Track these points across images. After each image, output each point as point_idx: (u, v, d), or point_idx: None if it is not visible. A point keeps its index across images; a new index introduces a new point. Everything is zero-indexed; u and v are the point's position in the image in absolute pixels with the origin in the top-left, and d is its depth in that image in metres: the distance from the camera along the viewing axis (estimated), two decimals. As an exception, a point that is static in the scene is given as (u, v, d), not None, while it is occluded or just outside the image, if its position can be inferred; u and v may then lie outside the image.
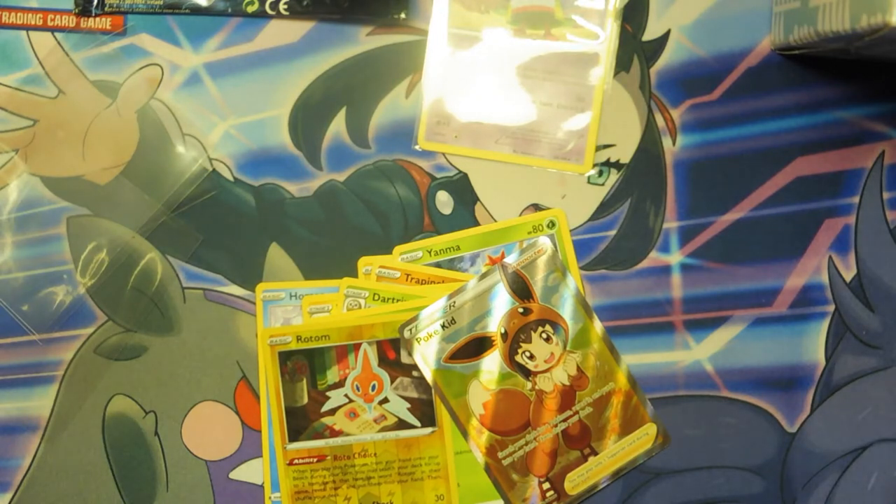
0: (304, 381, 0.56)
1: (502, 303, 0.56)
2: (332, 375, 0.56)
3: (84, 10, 0.56)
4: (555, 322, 0.56)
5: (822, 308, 0.57)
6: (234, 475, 0.58)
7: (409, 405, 0.56)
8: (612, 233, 0.57)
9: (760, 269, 0.57)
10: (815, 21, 0.49)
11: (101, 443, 0.58)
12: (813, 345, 0.57)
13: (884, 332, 0.57)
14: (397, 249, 0.57)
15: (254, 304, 0.57)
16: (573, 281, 0.56)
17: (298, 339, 0.55)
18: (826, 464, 0.57)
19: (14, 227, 0.57)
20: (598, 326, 0.56)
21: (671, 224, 0.57)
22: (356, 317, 0.56)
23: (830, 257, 0.56)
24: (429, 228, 0.57)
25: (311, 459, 0.56)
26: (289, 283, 0.57)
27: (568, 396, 0.56)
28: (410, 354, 0.55)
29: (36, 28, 0.56)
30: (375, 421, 0.56)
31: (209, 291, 0.57)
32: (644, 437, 0.56)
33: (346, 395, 0.56)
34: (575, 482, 0.56)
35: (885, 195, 0.56)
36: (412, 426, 0.56)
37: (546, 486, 0.56)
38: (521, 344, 0.56)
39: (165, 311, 0.57)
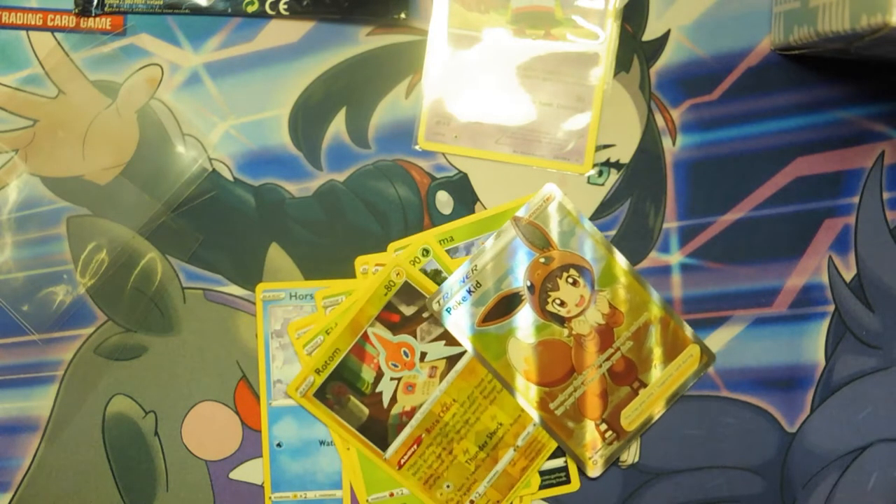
0: (351, 397, 0.56)
1: (523, 257, 0.55)
2: (368, 373, 0.56)
3: (84, 10, 0.56)
4: (578, 265, 0.55)
5: (822, 308, 0.57)
6: (234, 475, 0.58)
7: (444, 341, 0.56)
8: (612, 233, 0.57)
9: (760, 269, 0.56)
10: (815, 21, 0.49)
11: (101, 443, 0.58)
12: (813, 345, 0.57)
13: (884, 332, 0.57)
14: (391, 246, 0.57)
15: (254, 304, 0.57)
16: (588, 221, 0.55)
17: (318, 372, 0.55)
18: (826, 464, 0.57)
19: (14, 227, 0.57)
20: (620, 260, 0.56)
21: (671, 224, 0.57)
22: (342, 313, 0.55)
23: (830, 257, 0.56)
24: (429, 228, 0.57)
25: (413, 448, 0.56)
26: (289, 283, 0.57)
27: (606, 335, 0.56)
28: (442, 325, 0.55)
29: (36, 28, 0.56)
30: (430, 376, 0.56)
31: (209, 291, 0.57)
32: (689, 360, 0.56)
33: (392, 379, 0.56)
34: (630, 418, 0.56)
35: (885, 195, 0.56)
36: (461, 354, 0.56)
37: (603, 427, 0.56)
38: (550, 293, 0.55)
39: (165, 311, 0.57)
